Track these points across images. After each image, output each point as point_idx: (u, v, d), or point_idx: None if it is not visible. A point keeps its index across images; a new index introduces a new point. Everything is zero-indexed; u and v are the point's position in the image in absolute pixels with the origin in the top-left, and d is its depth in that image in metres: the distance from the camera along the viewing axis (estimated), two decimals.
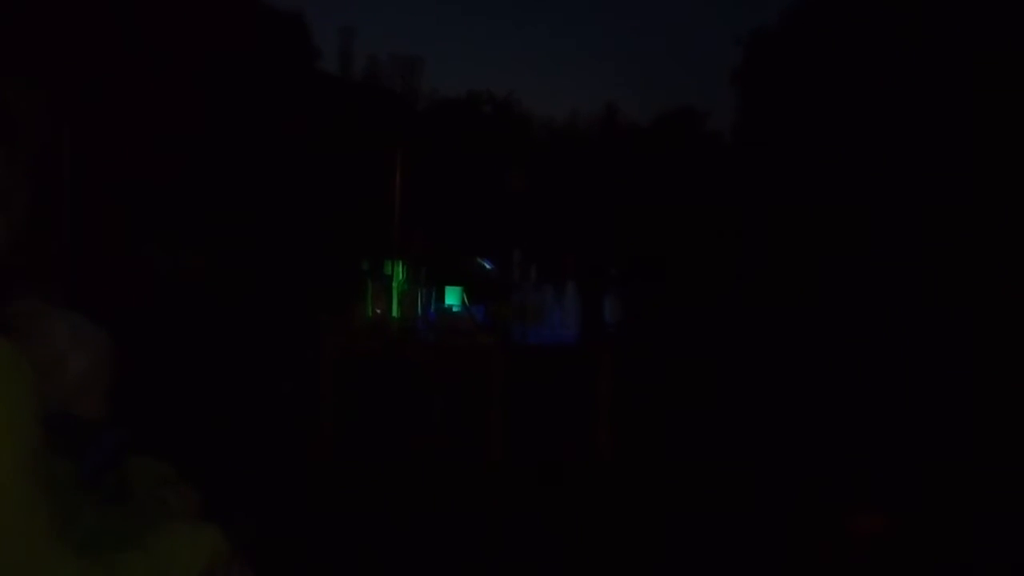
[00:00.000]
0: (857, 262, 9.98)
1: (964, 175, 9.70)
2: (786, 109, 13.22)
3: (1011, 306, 6.94)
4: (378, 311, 3.52)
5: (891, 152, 10.81)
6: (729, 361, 6.39)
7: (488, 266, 3.49)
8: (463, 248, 3.92)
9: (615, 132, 27.66)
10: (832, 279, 9.66)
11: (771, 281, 10.15)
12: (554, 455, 3.85)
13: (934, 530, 3.01)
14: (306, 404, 3.93)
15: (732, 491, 3.47)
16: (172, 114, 6.69)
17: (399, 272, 3.54)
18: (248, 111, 8.46)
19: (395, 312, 3.51)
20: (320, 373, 3.78)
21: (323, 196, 9.45)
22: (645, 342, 4.32)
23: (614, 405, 3.64)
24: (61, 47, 5.60)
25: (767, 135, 13.79)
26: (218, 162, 7.46)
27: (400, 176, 7.12)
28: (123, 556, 0.99)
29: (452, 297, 3.42)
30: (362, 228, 7.75)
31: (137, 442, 1.24)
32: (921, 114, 10.51)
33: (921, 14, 10.71)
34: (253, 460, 3.62)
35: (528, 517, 3.15)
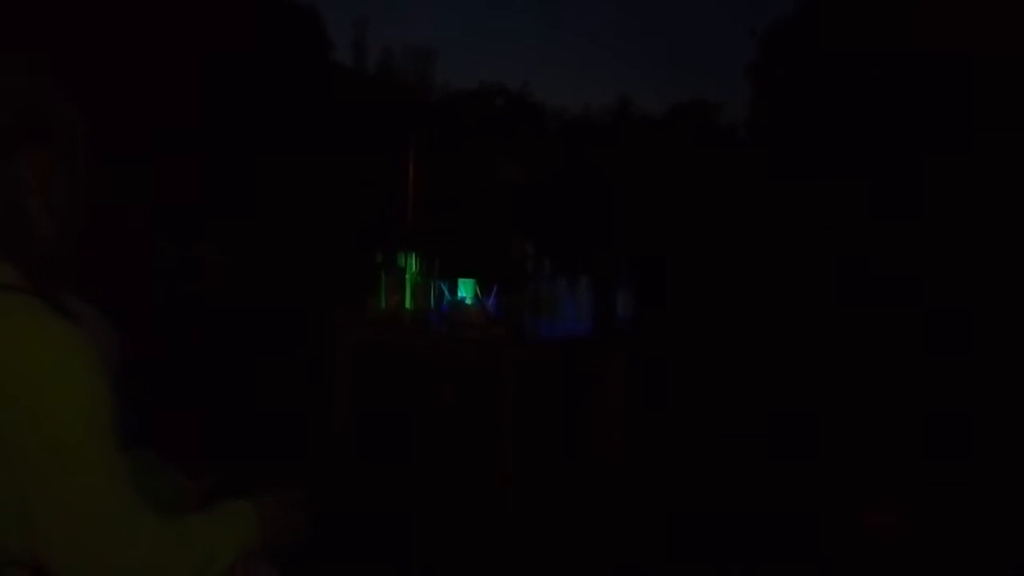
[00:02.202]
0: (872, 255, 9.92)
1: (983, 167, 9.63)
2: (801, 101, 13.15)
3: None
4: (392, 303, 3.54)
5: (907, 145, 10.74)
6: (742, 356, 6.37)
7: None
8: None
9: (628, 124, 27.57)
10: (847, 273, 9.61)
11: (785, 275, 10.11)
12: (565, 451, 3.86)
13: (949, 526, 3.00)
14: (320, 395, 3.95)
15: (747, 489, 3.47)
16: (185, 107, 6.72)
17: (412, 264, 3.55)
18: (262, 103, 8.48)
19: (408, 304, 3.52)
20: (335, 365, 3.80)
21: (336, 188, 9.47)
22: (658, 335, 4.31)
23: (627, 400, 3.64)
24: (77, 40, 5.63)
25: (781, 128, 13.72)
26: (232, 154, 7.48)
27: (413, 168, 7.13)
28: (188, 520, 1.04)
29: (465, 289, 3.43)
30: (375, 219, 7.76)
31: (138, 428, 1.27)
32: (937, 107, 10.43)
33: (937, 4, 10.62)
34: (266, 453, 3.64)
35: (536, 518, 3.15)
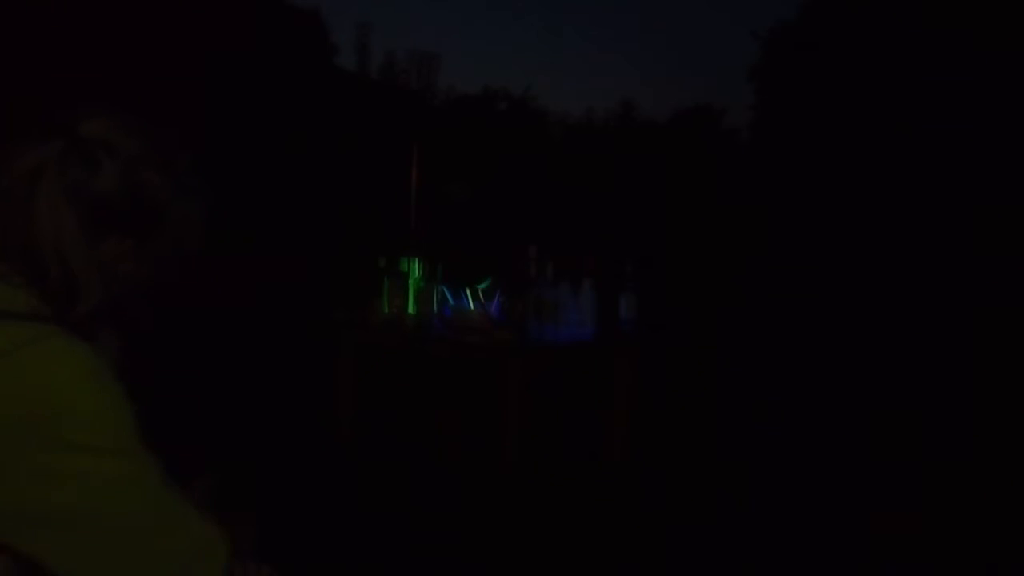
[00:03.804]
0: (877, 258, 9.90)
1: (984, 168, 9.61)
2: (804, 104, 13.14)
3: None
4: (395, 308, 3.54)
5: (909, 148, 10.72)
6: (745, 358, 6.36)
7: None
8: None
9: (631, 129, 27.57)
10: (852, 275, 9.59)
11: (789, 278, 10.09)
12: (569, 456, 3.84)
13: (961, 529, 2.98)
14: (322, 401, 3.94)
15: (752, 494, 3.45)
16: (188, 110, 6.72)
17: (415, 269, 3.55)
18: (265, 107, 8.48)
19: (411, 309, 3.52)
20: (337, 369, 3.80)
21: (340, 192, 9.47)
22: (661, 339, 4.30)
23: (630, 404, 3.63)
24: (78, 44, 5.63)
25: (784, 131, 13.70)
26: (235, 158, 7.49)
27: (416, 172, 7.13)
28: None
29: (468, 294, 3.43)
30: (379, 224, 7.76)
31: None
32: (939, 108, 10.41)
33: (940, 7, 10.61)
34: (267, 455, 3.64)
35: (540, 523, 3.14)
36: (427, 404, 4.22)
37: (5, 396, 0.92)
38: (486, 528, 3.02)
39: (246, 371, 4.98)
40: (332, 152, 9.65)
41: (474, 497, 3.29)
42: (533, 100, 27.58)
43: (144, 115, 1.11)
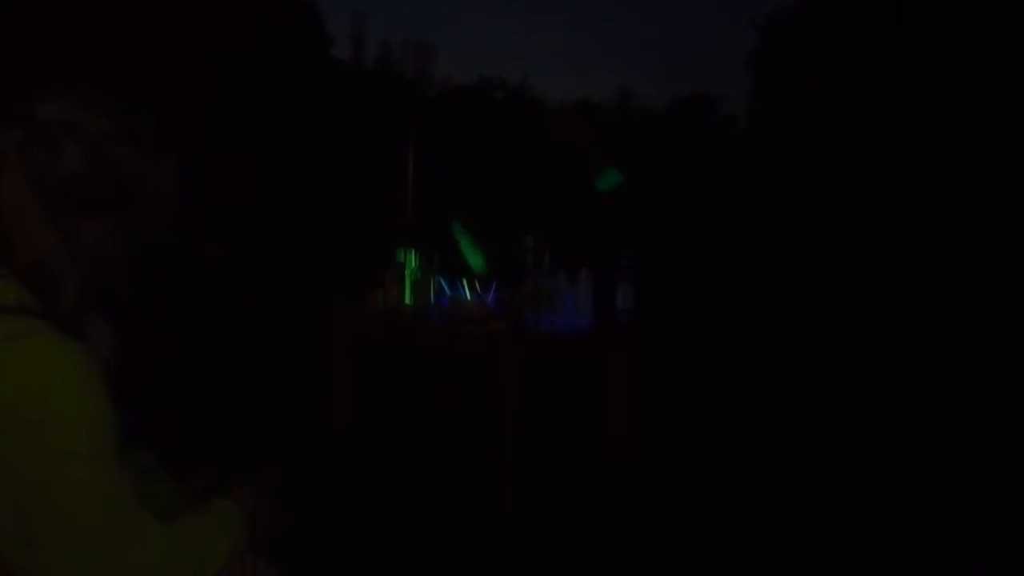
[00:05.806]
0: (877, 247, 9.90)
1: (981, 156, 9.60)
2: (801, 92, 13.11)
3: None
4: (391, 298, 3.53)
5: (906, 135, 10.71)
6: (744, 349, 6.35)
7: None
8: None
9: (629, 117, 27.52)
10: (852, 265, 9.58)
11: (789, 267, 10.09)
12: (566, 447, 3.83)
13: (958, 529, 2.98)
14: (319, 391, 3.94)
15: (753, 493, 3.42)
16: (183, 101, 6.70)
17: (412, 259, 3.54)
18: (261, 98, 8.47)
19: (408, 299, 3.51)
20: (333, 361, 3.79)
21: (336, 182, 9.46)
22: (658, 329, 4.29)
23: (628, 394, 3.62)
24: (75, 36, 5.61)
25: (781, 117, 13.68)
26: (230, 150, 7.47)
27: (412, 162, 7.12)
28: (185, 523, 1.05)
29: (465, 284, 3.42)
30: (376, 214, 7.76)
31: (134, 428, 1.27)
32: (936, 97, 10.40)
33: None
34: (263, 446, 3.63)
35: (537, 516, 3.13)
36: (424, 394, 4.21)
37: None
38: (483, 523, 3.02)
39: (243, 361, 4.98)
40: (328, 142, 9.63)
41: (470, 488, 3.29)
42: (530, 89, 27.52)
43: (132, 100, 1.09)
